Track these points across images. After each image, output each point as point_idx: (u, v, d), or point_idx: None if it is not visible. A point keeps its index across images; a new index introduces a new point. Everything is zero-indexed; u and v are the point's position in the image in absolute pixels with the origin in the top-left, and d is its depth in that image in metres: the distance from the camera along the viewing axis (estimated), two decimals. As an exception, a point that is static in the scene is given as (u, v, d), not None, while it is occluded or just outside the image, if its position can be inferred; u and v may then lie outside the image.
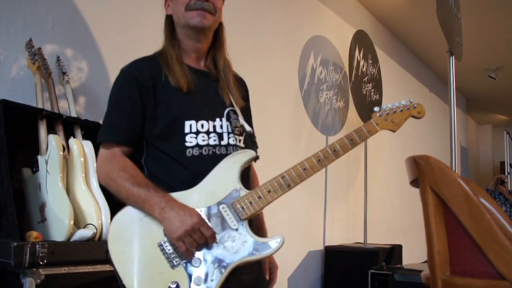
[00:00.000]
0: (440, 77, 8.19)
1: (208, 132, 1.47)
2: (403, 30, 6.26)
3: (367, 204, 4.67)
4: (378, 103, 5.03)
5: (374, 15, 5.79)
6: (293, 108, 4.18)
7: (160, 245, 1.34)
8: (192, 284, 1.31)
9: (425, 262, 6.16)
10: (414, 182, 1.29)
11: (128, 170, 1.40)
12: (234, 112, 1.56)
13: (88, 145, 2.00)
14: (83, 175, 1.95)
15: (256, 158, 1.49)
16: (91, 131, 2.10)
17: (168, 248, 1.34)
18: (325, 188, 4.50)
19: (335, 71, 4.82)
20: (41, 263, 1.62)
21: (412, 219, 6.65)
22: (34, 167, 1.94)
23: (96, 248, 1.79)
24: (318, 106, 4.52)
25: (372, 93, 4.92)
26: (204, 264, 1.32)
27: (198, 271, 1.32)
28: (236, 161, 1.44)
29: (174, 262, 1.33)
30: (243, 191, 1.40)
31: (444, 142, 8.20)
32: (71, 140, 1.99)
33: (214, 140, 1.47)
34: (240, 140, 1.54)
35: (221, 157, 1.45)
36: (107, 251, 1.85)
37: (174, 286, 1.31)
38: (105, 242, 1.87)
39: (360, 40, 4.83)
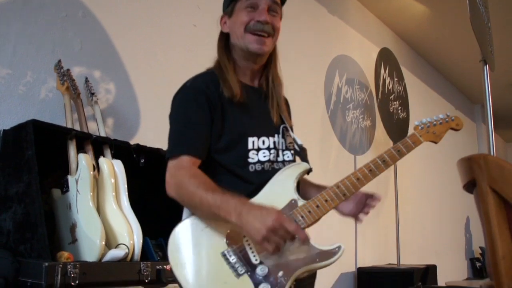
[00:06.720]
0: (465, 95, 8.04)
1: (269, 148, 1.50)
2: (426, 48, 6.19)
3: (398, 224, 4.55)
4: (406, 121, 4.94)
5: (397, 34, 5.75)
6: (321, 128, 4.13)
7: (224, 255, 1.33)
8: None
9: (467, 279, 5.89)
10: (468, 185, 1.21)
11: (198, 177, 1.37)
12: (287, 128, 1.60)
13: (118, 164, 1.98)
14: (114, 194, 1.91)
15: (309, 170, 1.52)
16: (120, 150, 2.07)
17: (232, 258, 1.33)
18: (355, 208, 4.39)
19: (361, 90, 4.77)
20: (72, 284, 1.58)
21: (444, 240, 6.45)
22: (64, 187, 1.91)
23: (128, 269, 1.76)
24: (345, 126, 4.45)
25: (400, 111, 4.83)
26: (268, 272, 1.33)
27: (263, 279, 1.32)
28: (291, 173, 1.48)
29: (239, 271, 1.32)
30: (301, 201, 1.43)
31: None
32: (101, 159, 1.96)
33: (273, 156, 1.51)
34: (294, 156, 1.58)
35: None
36: (139, 271, 1.82)
37: None
38: (137, 262, 1.84)
39: (385, 57, 4.78)
